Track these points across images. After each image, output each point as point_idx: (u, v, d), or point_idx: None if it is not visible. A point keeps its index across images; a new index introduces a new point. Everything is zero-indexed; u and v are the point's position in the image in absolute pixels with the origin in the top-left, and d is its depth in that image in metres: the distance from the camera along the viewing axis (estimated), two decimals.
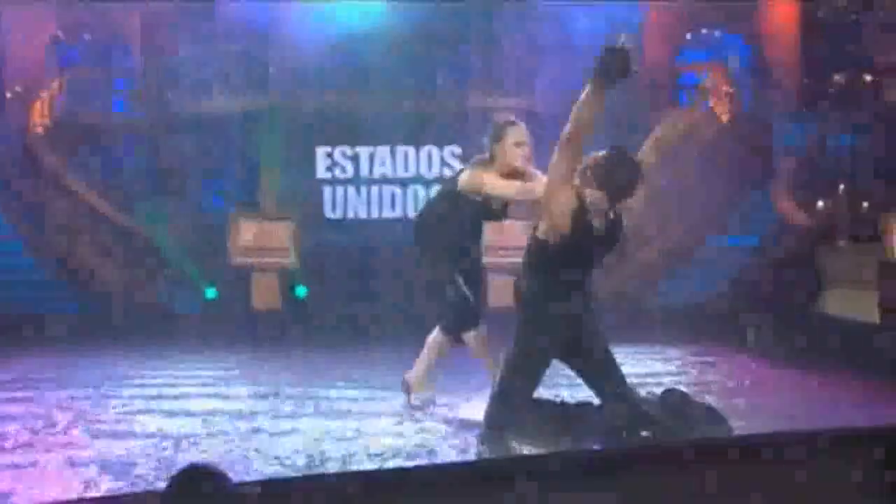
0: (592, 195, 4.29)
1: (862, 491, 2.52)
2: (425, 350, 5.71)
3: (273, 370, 7.28)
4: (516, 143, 5.18)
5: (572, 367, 4.58)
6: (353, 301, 11.50)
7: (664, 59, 14.08)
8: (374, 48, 12.80)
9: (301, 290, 11.59)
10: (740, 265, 10.17)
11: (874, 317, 7.66)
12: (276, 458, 4.42)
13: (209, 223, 12.30)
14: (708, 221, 10.89)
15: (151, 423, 5.22)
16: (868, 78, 11.67)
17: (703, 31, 14.12)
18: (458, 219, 5.51)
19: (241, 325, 10.46)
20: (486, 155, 5.41)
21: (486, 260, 12.08)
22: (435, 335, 5.69)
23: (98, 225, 11.44)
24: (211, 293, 11.39)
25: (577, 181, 4.30)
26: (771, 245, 9.63)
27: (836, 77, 12.60)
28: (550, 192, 4.27)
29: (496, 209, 5.53)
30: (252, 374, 7.11)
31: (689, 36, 13.65)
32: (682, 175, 11.53)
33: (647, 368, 7.09)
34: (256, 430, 5.03)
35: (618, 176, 4.26)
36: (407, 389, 5.75)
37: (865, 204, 9.13)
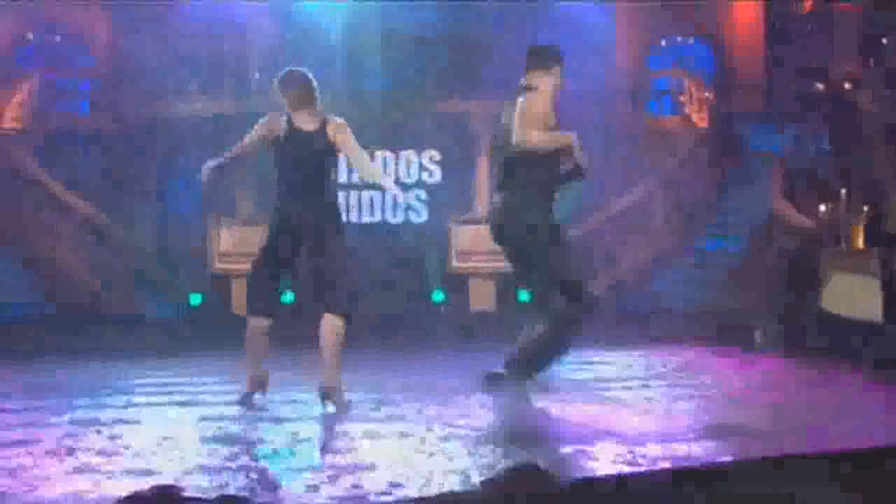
0: None
1: None
2: (334, 347, 5.37)
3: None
4: None
5: None
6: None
7: (634, 66, 14.29)
8: (350, 51, 12.74)
9: (289, 296, 11.43)
10: (731, 267, 10.39)
11: (877, 316, 7.87)
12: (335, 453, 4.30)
13: (186, 228, 12.11)
14: (694, 224, 11.10)
15: (209, 430, 5.06)
16: (842, 85, 12.00)
17: (674, 39, 14.37)
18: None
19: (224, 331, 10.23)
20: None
21: (460, 265, 12.21)
22: (336, 323, 5.38)
23: (78, 229, 11.16)
24: (196, 299, 11.19)
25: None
26: (760, 247, 9.82)
27: (804, 84, 12.92)
28: None
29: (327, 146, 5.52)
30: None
31: (663, 42, 13.88)
32: (666, 180, 11.76)
33: (655, 369, 7.16)
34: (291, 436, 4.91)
35: None
36: (329, 396, 5.46)
37: (866, 208, 9.40)
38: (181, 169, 12.46)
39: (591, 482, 2.35)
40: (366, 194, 12.60)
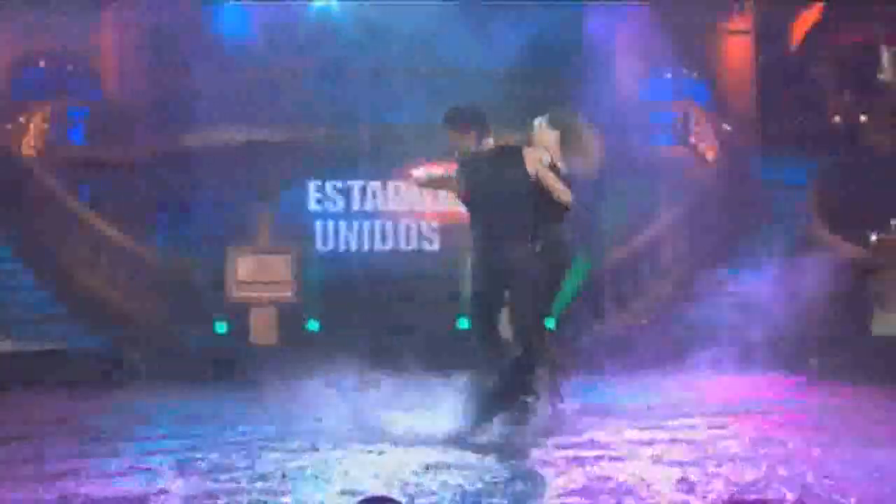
0: None
1: None
2: None
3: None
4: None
5: None
6: (357, 333, 11.33)
7: (633, 98, 14.51)
8: (364, 79, 12.73)
9: (313, 324, 11.38)
10: (765, 295, 10.55)
11: None
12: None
13: (204, 256, 11.98)
14: (721, 254, 11.31)
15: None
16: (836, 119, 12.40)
17: (668, 72, 14.64)
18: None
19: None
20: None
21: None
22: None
23: (108, 256, 11.00)
24: (221, 328, 11.06)
25: None
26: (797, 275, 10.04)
27: (797, 118, 13.29)
28: None
29: None
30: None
31: (661, 74, 14.13)
32: (684, 211, 11.99)
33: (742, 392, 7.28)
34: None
35: None
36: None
37: None
38: (198, 196, 12.36)
39: None
40: (378, 223, 12.62)
